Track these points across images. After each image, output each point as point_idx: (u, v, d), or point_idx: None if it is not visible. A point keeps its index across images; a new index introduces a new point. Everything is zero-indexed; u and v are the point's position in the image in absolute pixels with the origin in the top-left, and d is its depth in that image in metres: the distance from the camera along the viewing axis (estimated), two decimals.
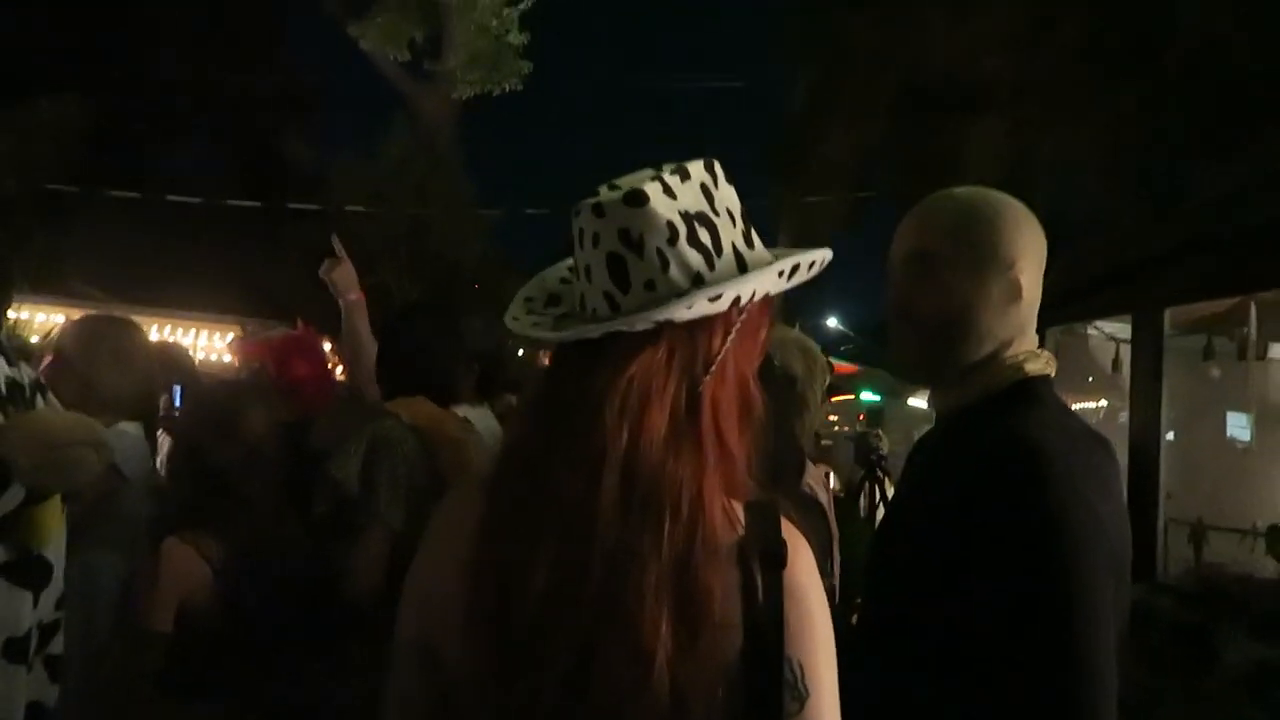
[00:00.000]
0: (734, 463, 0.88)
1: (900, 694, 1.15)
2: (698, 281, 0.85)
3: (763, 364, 0.96)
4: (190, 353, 5.79)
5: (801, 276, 0.91)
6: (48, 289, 9.03)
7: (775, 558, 0.86)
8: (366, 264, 10.69)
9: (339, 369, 3.55)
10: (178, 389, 3.53)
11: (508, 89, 13.98)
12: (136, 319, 2.73)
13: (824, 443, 6.98)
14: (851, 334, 22.33)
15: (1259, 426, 5.75)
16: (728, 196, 0.91)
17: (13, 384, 1.50)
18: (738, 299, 0.85)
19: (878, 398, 12.11)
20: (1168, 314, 5.35)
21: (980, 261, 1.21)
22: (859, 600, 1.46)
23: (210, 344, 10.43)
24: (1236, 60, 8.23)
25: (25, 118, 9.39)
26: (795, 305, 11.85)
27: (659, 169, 0.90)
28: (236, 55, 14.81)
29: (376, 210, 11.17)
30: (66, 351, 2.18)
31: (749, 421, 0.90)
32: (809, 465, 2.26)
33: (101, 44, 13.53)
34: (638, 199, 0.85)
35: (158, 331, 9.24)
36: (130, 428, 2.26)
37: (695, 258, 0.86)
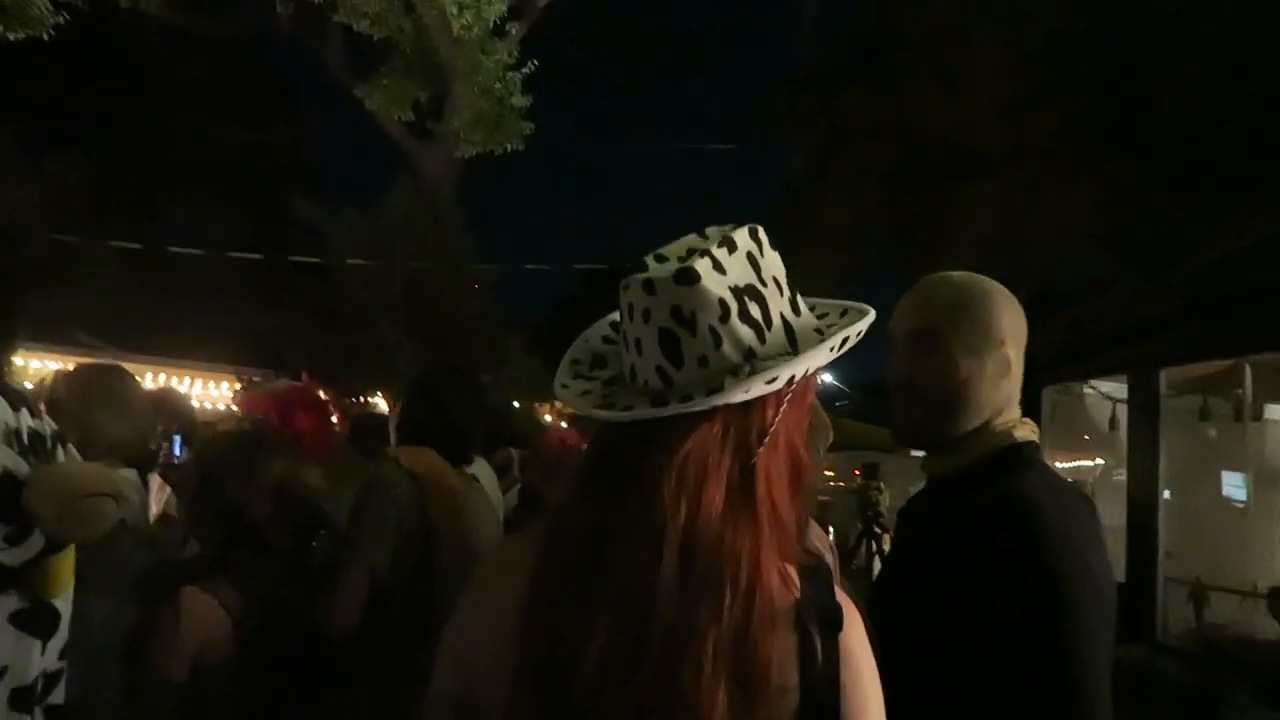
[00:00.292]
0: (787, 529, 0.89)
1: None
2: (749, 356, 0.86)
3: None
4: (189, 400, 5.79)
5: (850, 345, 0.92)
6: (49, 338, 9.05)
7: (833, 622, 0.87)
8: (366, 318, 10.83)
9: (339, 420, 3.57)
10: (177, 439, 3.54)
11: (509, 149, 14.16)
12: (136, 368, 2.74)
13: (821, 498, 6.95)
14: (848, 389, 22.39)
15: (1256, 487, 5.75)
16: (773, 264, 0.91)
17: (35, 435, 1.51)
18: (791, 378, 0.86)
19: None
20: (1164, 375, 5.39)
21: (978, 339, 1.32)
22: None
23: (205, 392, 10.41)
24: (1221, 134, 8.48)
25: (34, 172, 9.53)
26: None
27: (704, 236, 0.91)
28: (243, 113, 15.10)
29: (377, 264, 11.24)
30: (61, 398, 2.17)
31: (800, 487, 0.91)
32: (811, 524, 2.28)
33: (112, 106, 13.85)
34: (688, 277, 0.84)
35: (152, 379, 9.23)
36: (127, 474, 2.26)
37: (747, 333, 0.86)
